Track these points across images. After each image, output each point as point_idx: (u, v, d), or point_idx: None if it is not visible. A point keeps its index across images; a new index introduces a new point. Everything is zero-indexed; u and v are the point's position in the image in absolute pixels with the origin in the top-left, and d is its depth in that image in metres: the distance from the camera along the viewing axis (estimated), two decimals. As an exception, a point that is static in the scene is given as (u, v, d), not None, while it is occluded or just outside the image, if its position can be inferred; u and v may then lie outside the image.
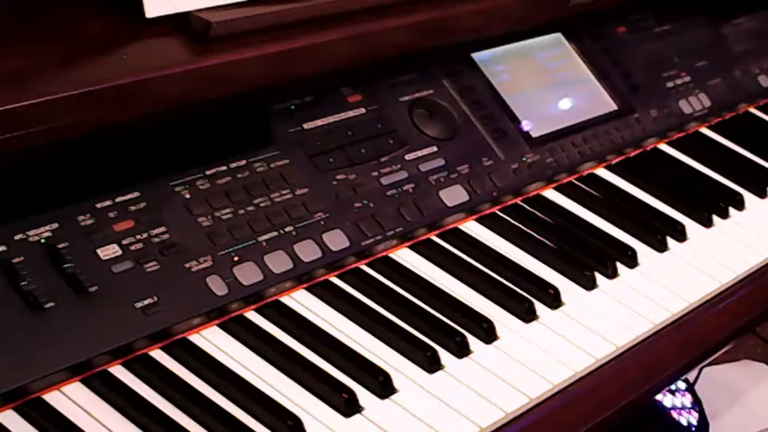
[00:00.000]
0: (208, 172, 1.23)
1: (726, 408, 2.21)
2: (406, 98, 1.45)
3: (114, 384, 1.06)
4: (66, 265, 1.09)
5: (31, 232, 1.09)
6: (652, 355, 1.29)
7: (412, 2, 1.42)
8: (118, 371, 1.08)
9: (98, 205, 1.14)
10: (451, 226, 1.39)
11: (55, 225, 1.11)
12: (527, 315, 1.27)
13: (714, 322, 1.37)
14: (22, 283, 1.06)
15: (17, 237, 1.08)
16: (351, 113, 1.39)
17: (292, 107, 1.35)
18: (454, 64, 1.53)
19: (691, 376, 2.16)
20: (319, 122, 1.36)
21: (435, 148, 1.43)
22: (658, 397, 2.06)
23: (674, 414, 2.08)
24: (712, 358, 1.40)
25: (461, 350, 1.20)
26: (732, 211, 1.58)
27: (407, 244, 1.34)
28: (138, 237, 1.14)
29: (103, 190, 1.15)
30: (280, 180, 1.28)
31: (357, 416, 1.09)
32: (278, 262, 1.21)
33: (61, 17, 1.20)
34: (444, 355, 1.19)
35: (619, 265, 1.39)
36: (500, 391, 1.15)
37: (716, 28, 1.92)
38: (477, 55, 1.56)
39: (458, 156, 1.44)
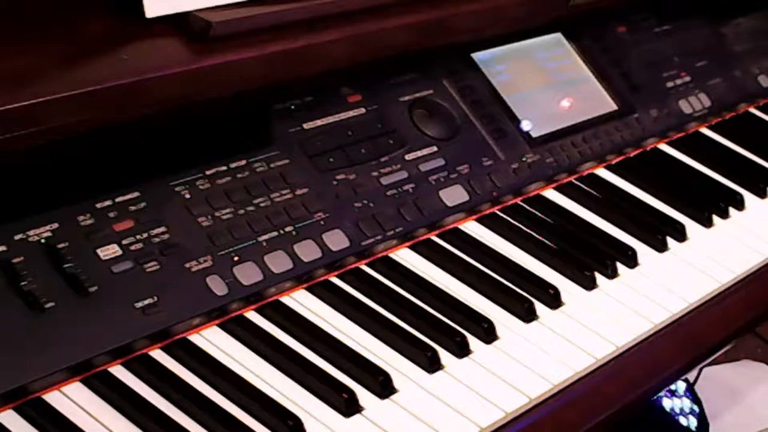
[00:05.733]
0: (208, 172, 1.23)
1: (726, 408, 2.20)
2: (406, 98, 1.45)
3: (114, 384, 1.06)
4: (66, 265, 1.08)
5: (31, 232, 1.09)
6: (652, 355, 1.29)
7: (412, 2, 1.42)
8: (118, 371, 1.08)
9: (98, 205, 1.14)
10: (451, 226, 1.39)
11: (55, 225, 1.11)
12: (527, 315, 1.27)
13: (714, 322, 1.37)
14: (22, 283, 1.06)
15: (17, 237, 1.08)
16: (351, 113, 1.39)
17: (292, 107, 1.34)
18: (454, 64, 1.53)
19: (691, 376, 2.16)
20: (319, 122, 1.35)
21: (435, 148, 1.43)
22: (658, 396, 2.05)
23: (674, 414, 2.08)
24: (712, 358, 1.40)
25: (461, 350, 1.20)
26: (732, 211, 1.58)
27: (407, 244, 1.34)
28: (138, 237, 1.14)
29: (103, 190, 1.15)
30: (280, 180, 1.28)
31: (357, 416, 1.09)
32: (278, 262, 1.21)
33: (61, 17, 1.20)
34: (444, 355, 1.19)
35: (619, 265, 1.39)
36: (500, 391, 1.15)
37: (716, 28, 1.92)
38: (477, 55, 1.56)
39: (458, 156, 1.44)
